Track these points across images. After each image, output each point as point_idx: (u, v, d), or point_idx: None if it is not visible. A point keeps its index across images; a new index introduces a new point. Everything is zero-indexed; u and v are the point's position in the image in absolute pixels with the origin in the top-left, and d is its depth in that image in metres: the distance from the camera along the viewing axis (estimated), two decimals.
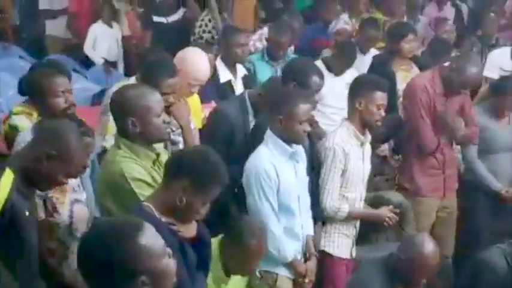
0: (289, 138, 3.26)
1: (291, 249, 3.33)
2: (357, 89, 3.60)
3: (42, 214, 2.87)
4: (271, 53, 4.95)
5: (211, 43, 5.90)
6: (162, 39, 6.05)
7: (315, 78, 3.63)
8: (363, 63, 5.07)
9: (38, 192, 2.74)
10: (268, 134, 3.29)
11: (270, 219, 3.20)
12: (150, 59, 3.71)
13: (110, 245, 1.77)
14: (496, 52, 5.79)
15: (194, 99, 3.98)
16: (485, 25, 6.48)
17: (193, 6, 6.66)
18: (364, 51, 5.34)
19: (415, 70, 4.89)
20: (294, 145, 3.31)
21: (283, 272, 3.34)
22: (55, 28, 7.15)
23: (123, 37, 6.91)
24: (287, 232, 3.32)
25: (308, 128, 3.30)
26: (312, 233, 3.47)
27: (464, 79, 4.01)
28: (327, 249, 3.58)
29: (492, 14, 6.72)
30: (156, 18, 6.65)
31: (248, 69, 4.82)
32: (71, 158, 2.58)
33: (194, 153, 2.63)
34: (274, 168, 3.23)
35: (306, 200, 3.43)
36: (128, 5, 7.00)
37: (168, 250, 1.85)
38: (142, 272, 1.76)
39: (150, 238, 1.81)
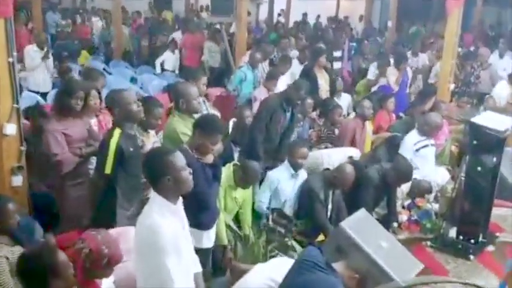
0: (293, 166, 5.21)
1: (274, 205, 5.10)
2: None
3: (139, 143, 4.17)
4: (252, 64, 7.95)
5: None
6: None
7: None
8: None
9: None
10: (286, 161, 5.25)
11: (266, 195, 5.14)
12: None
13: (154, 158, 2.78)
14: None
15: None
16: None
17: None
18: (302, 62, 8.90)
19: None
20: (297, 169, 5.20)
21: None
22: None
23: None
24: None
25: (303, 162, 5.25)
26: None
27: None
28: None
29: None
30: None
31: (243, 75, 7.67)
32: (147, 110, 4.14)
33: (206, 117, 4.11)
34: (277, 178, 5.19)
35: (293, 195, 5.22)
36: None
37: (189, 169, 2.74)
38: (168, 174, 2.66)
39: (175, 158, 2.72)
